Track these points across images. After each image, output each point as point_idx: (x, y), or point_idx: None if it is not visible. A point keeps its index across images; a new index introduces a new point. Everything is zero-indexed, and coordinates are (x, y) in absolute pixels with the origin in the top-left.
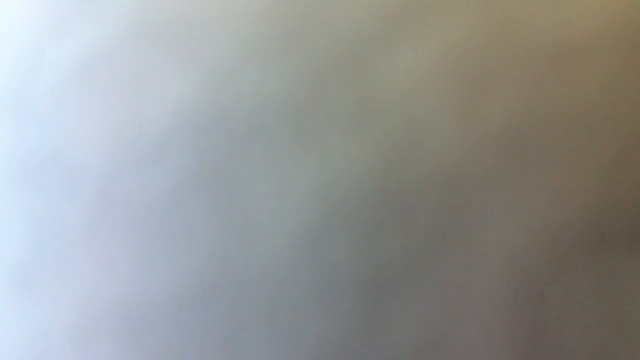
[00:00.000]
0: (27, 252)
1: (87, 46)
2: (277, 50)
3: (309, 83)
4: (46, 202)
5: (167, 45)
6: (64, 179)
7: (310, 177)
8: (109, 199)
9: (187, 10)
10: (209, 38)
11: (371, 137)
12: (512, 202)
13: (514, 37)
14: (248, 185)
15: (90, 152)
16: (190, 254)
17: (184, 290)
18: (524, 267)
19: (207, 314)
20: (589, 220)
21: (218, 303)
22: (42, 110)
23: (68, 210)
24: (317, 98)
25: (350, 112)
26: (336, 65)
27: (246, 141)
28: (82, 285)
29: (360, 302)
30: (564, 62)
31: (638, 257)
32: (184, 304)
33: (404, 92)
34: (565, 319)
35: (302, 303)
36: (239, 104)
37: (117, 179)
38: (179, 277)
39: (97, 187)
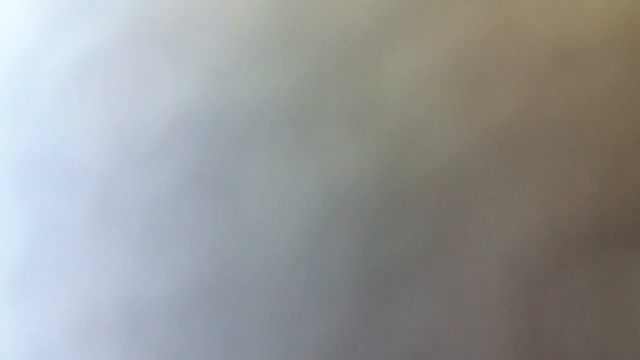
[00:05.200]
0: (27, 252)
1: (87, 46)
2: (277, 50)
3: (308, 83)
4: (46, 202)
5: (166, 46)
6: (64, 179)
7: (310, 177)
8: (108, 199)
9: (186, 11)
10: (208, 38)
11: (371, 137)
12: (512, 202)
13: (514, 37)
14: (248, 186)
15: (89, 152)
16: (190, 254)
17: (184, 290)
18: (523, 267)
19: (207, 314)
20: (589, 220)
21: (218, 303)
22: (42, 110)
23: (68, 210)
24: (317, 98)
25: (350, 112)
26: (336, 65)
27: (246, 141)
28: (82, 285)
29: (360, 303)
30: (564, 62)
31: (638, 257)
32: (184, 303)
33: (404, 92)
34: (565, 319)
35: (302, 303)
36: (239, 104)
37: (116, 179)
38: (179, 277)
39: (96, 187)
